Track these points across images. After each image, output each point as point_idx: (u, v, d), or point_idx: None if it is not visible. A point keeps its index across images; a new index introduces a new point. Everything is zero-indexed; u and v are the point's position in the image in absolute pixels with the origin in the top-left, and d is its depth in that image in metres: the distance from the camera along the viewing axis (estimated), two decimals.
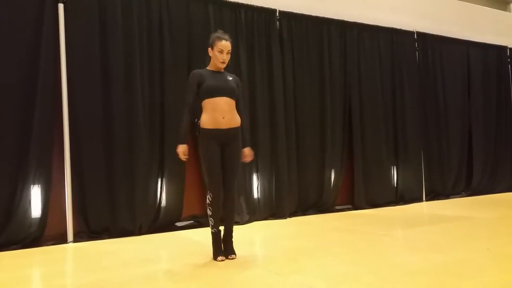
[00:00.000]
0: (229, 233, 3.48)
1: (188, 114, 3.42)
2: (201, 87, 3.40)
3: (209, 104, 3.37)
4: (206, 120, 3.36)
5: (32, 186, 4.33)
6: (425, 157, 7.21)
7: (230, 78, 3.52)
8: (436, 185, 7.29)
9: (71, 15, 4.62)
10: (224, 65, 3.49)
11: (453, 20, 7.80)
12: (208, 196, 3.36)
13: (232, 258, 3.40)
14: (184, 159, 3.44)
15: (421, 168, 7.13)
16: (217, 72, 3.50)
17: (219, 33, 3.52)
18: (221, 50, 3.42)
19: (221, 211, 3.41)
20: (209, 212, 3.38)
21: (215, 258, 3.39)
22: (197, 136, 3.45)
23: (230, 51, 3.48)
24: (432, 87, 7.38)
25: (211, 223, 3.40)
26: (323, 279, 2.78)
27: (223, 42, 3.43)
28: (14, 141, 4.31)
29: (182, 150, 3.39)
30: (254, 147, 5.59)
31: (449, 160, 7.47)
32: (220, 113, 3.35)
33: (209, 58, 3.53)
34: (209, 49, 3.50)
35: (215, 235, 3.43)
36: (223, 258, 3.38)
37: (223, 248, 3.45)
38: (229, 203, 3.44)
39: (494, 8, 8.72)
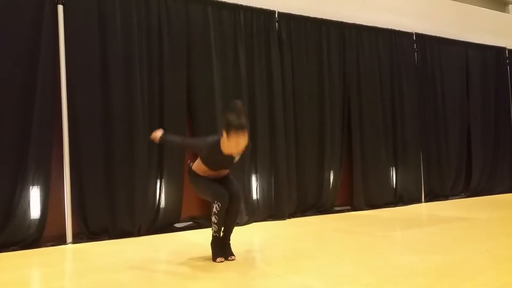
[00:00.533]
0: (227, 236, 3.48)
1: (181, 145, 3.90)
2: (206, 156, 3.33)
3: (206, 169, 3.40)
4: (199, 171, 3.45)
5: (31, 187, 4.33)
6: (424, 158, 7.21)
7: (238, 157, 3.32)
8: (435, 186, 7.29)
9: (71, 16, 4.62)
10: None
11: (452, 21, 7.81)
12: (215, 206, 3.31)
13: (232, 259, 3.39)
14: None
15: (420, 169, 7.13)
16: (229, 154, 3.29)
17: (238, 125, 3.10)
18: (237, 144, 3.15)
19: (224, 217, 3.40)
20: (214, 220, 3.35)
21: (214, 259, 3.38)
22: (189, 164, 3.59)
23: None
24: (431, 88, 7.38)
25: (214, 228, 3.39)
26: (323, 280, 2.79)
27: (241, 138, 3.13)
28: (13, 142, 4.30)
29: (156, 133, 3.48)
30: (253, 148, 5.63)
31: (448, 161, 7.47)
32: (213, 176, 3.46)
33: (221, 135, 3.20)
34: (224, 132, 3.13)
35: (216, 238, 3.43)
36: (222, 259, 3.37)
37: (222, 249, 3.44)
38: (234, 207, 3.41)
39: (492, 9, 8.74)
